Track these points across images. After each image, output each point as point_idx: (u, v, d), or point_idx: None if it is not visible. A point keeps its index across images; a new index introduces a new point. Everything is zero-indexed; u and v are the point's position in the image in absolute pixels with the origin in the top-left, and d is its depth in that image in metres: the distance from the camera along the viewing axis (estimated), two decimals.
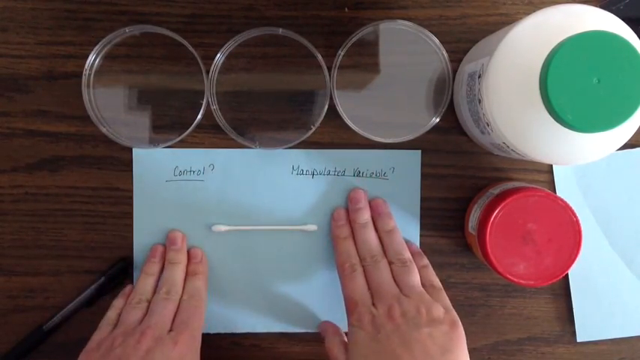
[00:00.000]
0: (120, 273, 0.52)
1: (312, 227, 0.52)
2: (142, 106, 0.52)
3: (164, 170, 0.52)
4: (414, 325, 0.44)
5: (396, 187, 0.53)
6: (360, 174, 0.53)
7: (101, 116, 0.51)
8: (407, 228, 0.53)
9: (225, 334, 0.53)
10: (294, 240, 0.53)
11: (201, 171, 0.52)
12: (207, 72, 0.51)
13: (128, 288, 0.52)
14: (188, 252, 0.52)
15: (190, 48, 0.50)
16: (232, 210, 0.53)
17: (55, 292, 0.53)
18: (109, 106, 0.52)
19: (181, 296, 0.49)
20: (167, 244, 0.52)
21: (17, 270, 0.53)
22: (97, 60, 0.51)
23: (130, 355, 0.44)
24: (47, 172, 0.52)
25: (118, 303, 0.50)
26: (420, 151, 0.53)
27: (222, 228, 0.52)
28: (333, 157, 0.53)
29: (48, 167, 0.52)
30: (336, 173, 0.53)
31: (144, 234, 0.52)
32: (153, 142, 0.52)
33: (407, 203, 0.53)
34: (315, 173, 0.53)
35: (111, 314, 0.49)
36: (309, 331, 0.53)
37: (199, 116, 0.51)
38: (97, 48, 0.51)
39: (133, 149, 0.52)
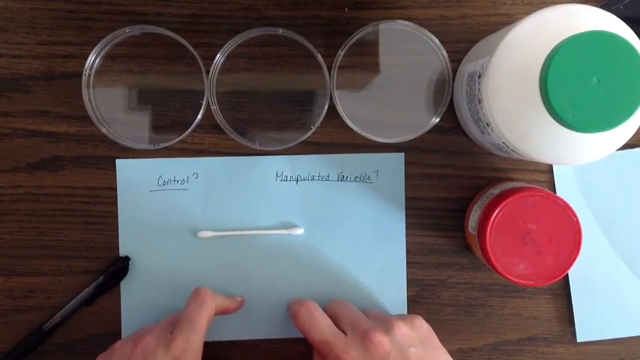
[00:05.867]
0: (118, 271, 0.52)
1: (299, 230, 0.52)
2: (142, 106, 0.52)
3: (148, 180, 0.52)
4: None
5: (381, 191, 0.53)
6: (344, 178, 0.53)
7: (101, 116, 0.51)
8: (392, 231, 0.53)
9: None
10: (281, 243, 0.53)
11: (185, 180, 0.52)
12: (207, 72, 0.51)
13: None
14: None
15: (190, 48, 0.50)
16: (218, 216, 0.52)
17: (55, 292, 0.53)
18: (109, 106, 0.52)
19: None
20: None
21: (17, 270, 0.53)
22: (97, 60, 0.51)
23: None
24: (47, 172, 0.52)
25: None
26: (403, 154, 0.53)
27: (208, 234, 0.52)
28: (316, 162, 0.53)
29: (48, 167, 0.52)
30: (320, 178, 0.53)
31: (129, 244, 0.52)
32: (153, 142, 0.52)
33: (392, 206, 0.53)
34: (300, 179, 0.53)
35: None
36: (299, 336, 0.52)
37: (199, 116, 0.51)
38: (97, 48, 0.51)
39: (116, 160, 0.52)
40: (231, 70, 0.52)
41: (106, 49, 0.51)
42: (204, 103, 0.51)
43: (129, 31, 0.51)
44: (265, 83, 0.52)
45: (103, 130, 0.51)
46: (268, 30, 0.51)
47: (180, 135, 0.51)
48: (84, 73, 0.50)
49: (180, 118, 0.52)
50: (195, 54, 0.50)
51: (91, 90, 0.51)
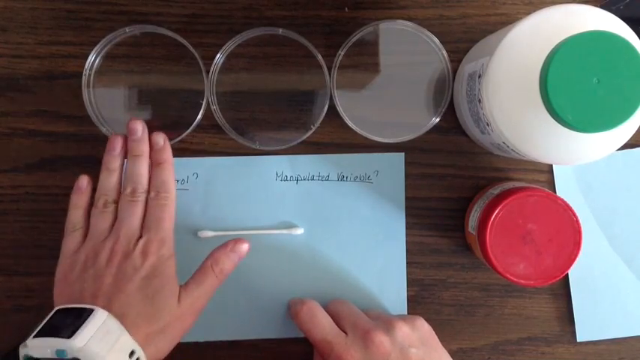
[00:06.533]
0: None
1: (299, 230, 0.52)
2: (142, 106, 0.52)
3: None
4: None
5: (381, 191, 0.53)
6: (344, 178, 0.53)
7: (101, 116, 0.51)
8: (392, 231, 0.53)
9: None
10: (281, 243, 0.53)
11: (185, 180, 0.52)
12: (208, 72, 0.51)
13: (83, 181, 0.49)
14: (149, 139, 0.48)
15: (191, 48, 0.50)
16: (218, 216, 0.52)
17: None
18: (109, 106, 0.52)
19: (148, 193, 0.47)
20: (127, 133, 0.48)
21: (17, 270, 0.53)
22: (97, 60, 0.51)
23: (103, 274, 0.44)
24: (47, 172, 0.52)
25: (77, 201, 0.48)
26: (403, 154, 0.53)
27: (209, 234, 0.52)
28: (316, 162, 0.53)
29: (48, 167, 0.52)
30: (320, 178, 0.53)
31: None
32: None
33: (392, 206, 0.53)
34: (300, 179, 0.53)
35: (74, 217, 0.48)
36: (299, 335, 0.52)
37: (199, 116, 0.51)
38: (97, 48, 0.51)
39: None
40: (231, 70, 0.52)
41: (105, 49, 0.51)
42: (204, 103, 0.51)
43: (129, 30, 0.51)
44: (265, 83, 0.52)
45: (103, 130, 0.51)
46: (268, 30, 0.51)
47: (180, 135, 0.51)
48: (84, 73, 0.50)
49: (180, 118, 0.52)
50: (196, 54, 0.50)
51: (91, 90, 0.51)
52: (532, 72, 0.37)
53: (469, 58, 0.49)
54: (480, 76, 0.42)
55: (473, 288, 0.54)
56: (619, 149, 0.41)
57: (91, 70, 0.51)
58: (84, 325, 0.40)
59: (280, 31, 0.51)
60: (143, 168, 0.47)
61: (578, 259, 0.46)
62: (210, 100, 0.51)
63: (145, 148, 0.48)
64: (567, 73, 0.35)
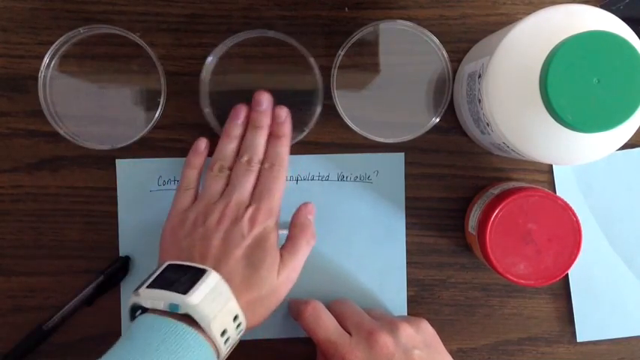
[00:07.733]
0: (119, 271, 0.52)
1: None
2: (99, 106, 0.51)
3: (148, 180, 0.52)
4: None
5: (381, 191, 0.53)
6: (345, 178, 0.53)
7: (57, 116, 0.51)
8: (392, 231, 0.53)
9: None
10: (281, 243, 0.53)
11: None
12: (166, 72, 0.51)
13: (201, 143, 0.50)
14: (272, 112, 0.49)
15: (145, 47, 0.50)
16: None
17: (55, 292, 0.53)
18: (66, 106, 0.51)
19: (263, 163, 0.48)
20: (252, 104, 0.49)
21: (17, 270, 0.53)
22: (53, 61, 0.51)
23: (211, 236, 0.45)
24: (47, 172, 0.52)
25: (194, 161, 0.50)
26: (403, 154, 0.53)
27: None
28: (316, 162, 0.53)
29: (48, 167, 0.52)
30: (320, 178, 0.53)
31: (129, 244, 0.52)
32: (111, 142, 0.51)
33: (392, 206, 0.53)
34: (300, 179, 0.53)
35: (189, 176, 0.49)
36: (300, 335, 0.52)
37: (157, 114, 0.51)
38: (52, 48, 0.50)
39: (116, 160, 0.52)
40: (228, 70, 0.52)
41: (62, 49, 0.51)
42: (161, 101, 0.51)
43: (83, 31, 0.50)
44: (262, 83, 0.52)
45: (61, 132, 0.51)
46: (259, 32, 0.50)
47: (138, 134, 0.51)
48: (39, 74, 0.50)
49: (139, 118, 0.51)
50: (151, 52, 0.50)
51: (47, 90, 0.51)
52: (532, 72, 0.37)
53: (469, 58, 0.49)
54: (479, 76, 0.42)
55: (473, 288, 0.54)
56: (619, 149, 0.41)
57: (46, 70, 0.51)
58: (199, 283, 0.40)
59: (270, 33, 0.50)
60: (262, 139, 0.48)
61: (578, 259, 0.46)
62: (202, 102, 0.51)
63: (268, 120, 0.49)
64: (567, 73, 0.35)
